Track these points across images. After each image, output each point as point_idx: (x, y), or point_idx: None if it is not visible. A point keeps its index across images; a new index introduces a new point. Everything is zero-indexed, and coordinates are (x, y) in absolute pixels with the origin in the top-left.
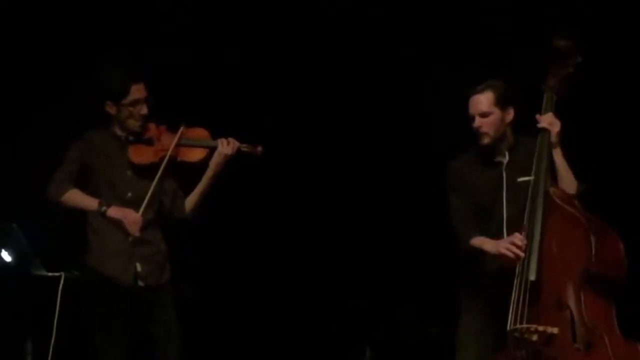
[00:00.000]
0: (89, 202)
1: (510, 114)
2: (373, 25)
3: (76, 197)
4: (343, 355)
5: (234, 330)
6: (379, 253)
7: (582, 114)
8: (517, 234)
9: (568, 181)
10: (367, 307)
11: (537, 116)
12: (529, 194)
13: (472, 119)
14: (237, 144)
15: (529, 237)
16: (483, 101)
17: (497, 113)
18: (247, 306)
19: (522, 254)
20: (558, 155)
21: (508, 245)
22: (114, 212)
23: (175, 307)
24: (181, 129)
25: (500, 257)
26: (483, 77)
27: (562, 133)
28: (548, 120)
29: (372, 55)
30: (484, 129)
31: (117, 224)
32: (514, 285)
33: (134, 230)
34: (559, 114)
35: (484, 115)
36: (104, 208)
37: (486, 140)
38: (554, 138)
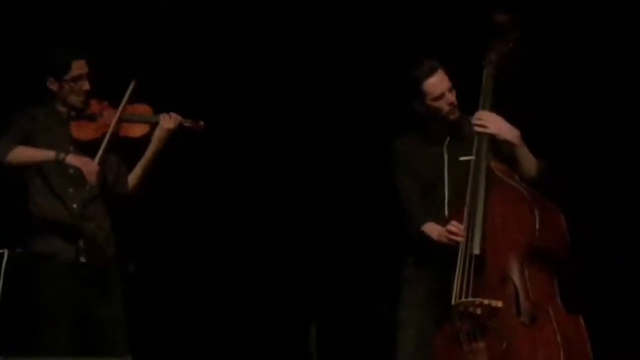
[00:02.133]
0: (43, 153)
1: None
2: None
3: (26, 152)
4: (287, 333)
5: (178, 307)
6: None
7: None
8: (453, 222)
9: (528, 164)
10: (313, 286)
11: (474, 117)
12: (471, 170)
13: (442, 96)
14: (179, 118)
15: (472, 212)
16: (445, 77)
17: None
18: (192, 284)
19: (460, 239)
20: (516, 150)
21: (447, 234)
22: (72, 159)
23: (121, 285)
24: (122, 103)
25: (441, 244)
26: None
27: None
28: (483, 121)
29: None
30: (455, 102)
31: (63, 191)
32: (458, 259)
33: (92, 179)
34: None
35: (451, 90)
36: (62, 155)
37: (457, 114)
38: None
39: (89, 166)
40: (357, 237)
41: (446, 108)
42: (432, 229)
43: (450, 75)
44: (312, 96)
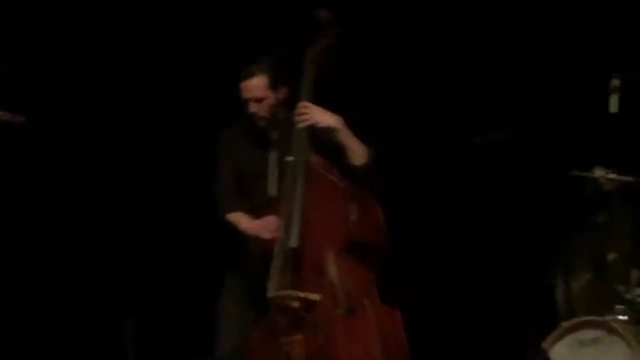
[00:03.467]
0: None
1: (283, 93)
2: None
3: None
4: (108, 325)
5: None
6: (144, 228)
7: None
8: (269, 218)
9: (355, 150)
10: (131, 282)
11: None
12: (290, 165)
13: (246, 102)
14: None
15: (291, 206)
16: (257, 86)
17: (271, 97)
18: (15, 278)
19: (270, 236)
20: (340, 136)
21: (260, 229)
22: None
23: None
24: None
25: (255, 237)
26: None
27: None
28: (304, 113)
29: None
30: (260, 114)
31: None
32: (275, 252)
33: None
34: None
35: (258, 100)
36: None
37: (262, 123)
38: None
39: None
40: (175, 233)
41: (251, 113)
42: (238, 219)
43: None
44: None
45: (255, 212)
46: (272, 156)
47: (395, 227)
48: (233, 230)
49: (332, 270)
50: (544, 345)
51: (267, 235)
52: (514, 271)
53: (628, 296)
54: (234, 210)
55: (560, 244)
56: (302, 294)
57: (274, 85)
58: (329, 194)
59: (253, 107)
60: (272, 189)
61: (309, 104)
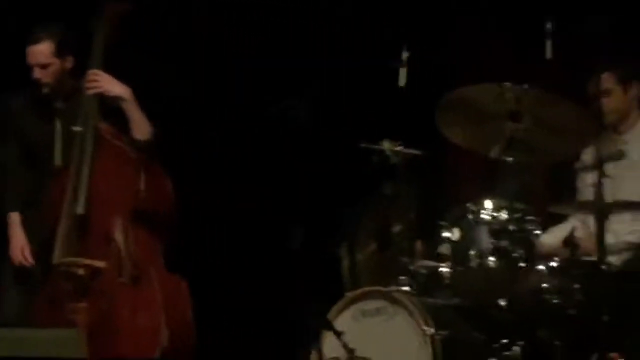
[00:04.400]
0: None
1: (69, 62)
2: None
3: None
4: None
5: None
6: None
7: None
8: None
9: (142, 128)
10: None
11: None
12: (78, 132)
13: (31, 68)
14: None
15: (78, 173)
16: (42, 51)
17: (57, 63)
18: None
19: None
20: (127, 107)
21: (19, 254)
22: None
23: None
24: None
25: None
26: None
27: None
28: (93, 81)
29: None
30: (44, 80)
31: None
32: (62, 219)
33: None
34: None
35: (43, 66)
36: None
37: (45, 90)
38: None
39: None
40: None
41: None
42: (12, 227)
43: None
44: None
45: (43, 182)
46: (58, 125)
47: (184, 197)
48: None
49: (119, 238)
50: (329, 315)
51: (16, 260)
52: (303, 241)
53: (411, 268)
54: (15, 209)
55: (346, 215)
56: (87, 261)
57: (60, 53)
58: (118, 162)
59: (37, 73)
60: (57, 159)
61: (99, 72)
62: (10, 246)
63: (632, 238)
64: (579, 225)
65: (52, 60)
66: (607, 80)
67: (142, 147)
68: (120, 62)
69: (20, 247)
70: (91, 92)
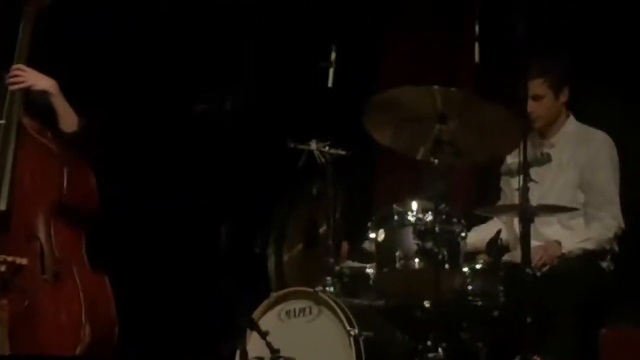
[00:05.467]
0: None
1: None
2: None
3: None
4: None
5: None
6: None
7: None
8: None
9: (67, 117)
10: None
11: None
12: (1, 127)
13: None
14: None
15: (0, 168)
16: None
17: None
18: None
19: None
20: (53, 100)
21: None
22: None
23: None
24: None
25: None
26: None
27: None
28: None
29: None
30: None
31: None
32: None
33: None
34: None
35: None
36: None
37: None
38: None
39: None
40: None
41: None
42: None
43: None
44: None
45: None
46: None
47: (109, 193)
48: None
49: (41, 234)
50: (254, 314)
51: None
52: (229, 240)
53: (337, 268)
54: None
55: (273, 214)
56: (9, 258)
57: None
58: (42, 157)
59: None
60: None
61: (23, 66)
62: None
63: (587, 245)
64: (503, 227)
65: None
66: (539, 86)
67: (70, 138)
68: (45, 54)
69: None
70: (15, 87)
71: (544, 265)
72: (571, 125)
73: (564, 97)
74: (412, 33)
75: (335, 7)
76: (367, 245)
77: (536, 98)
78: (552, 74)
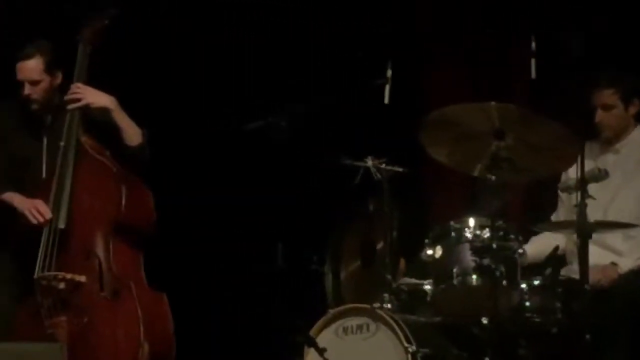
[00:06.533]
0: None
1: (58, 77)
2: None
3: None
4: None
5: None
6: None
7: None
8: (41, 201)
9: (130, 131)
10: None
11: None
12: (61, 145)
13: (22, 84)
14: None
15: (60, 187)
16: (33, 68)
17: (47, 80)
18: None
19: (42, 220)
20: (114, 116)
21: (31, 207)
22: None
23: None
24: None
25: (23, 216)
26: None
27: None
28: (77, 94)
29: None
30: (34, 97)
31: None
32: (44, 232)
33: None
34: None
35: (34, 83)
36: None
37: (35, 107)
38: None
39: None
40: None
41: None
42: (12, 197)
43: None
44: None
45: (31, 195)
46: (45, 141)
47: (165, 212)
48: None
49: (100, 252)
50: (312, 331)
51: (33, 220)
52: (287, 258)
53: (394, 285)
54: (5, 190)
55: (330, 232)
56: (68, 276)
57: (50, 69)
58: (100, 176)
59: (27, 90)
60: (44, 174)
61: (82, 85)
62: (18, 213)
63: None
64: (561, 237)
65: (42, 76)
66: (610, 96)
67: (135, 152)
68: (104, 71)
69: (31, 204)
70: (74, 106)
71: (601, 288)
72: (638, 132)
73: (633, 109)
74: (466, 48)
75: (391, 23)
76: (424, 256)
77: (606, 108)
78: (622, 84)
